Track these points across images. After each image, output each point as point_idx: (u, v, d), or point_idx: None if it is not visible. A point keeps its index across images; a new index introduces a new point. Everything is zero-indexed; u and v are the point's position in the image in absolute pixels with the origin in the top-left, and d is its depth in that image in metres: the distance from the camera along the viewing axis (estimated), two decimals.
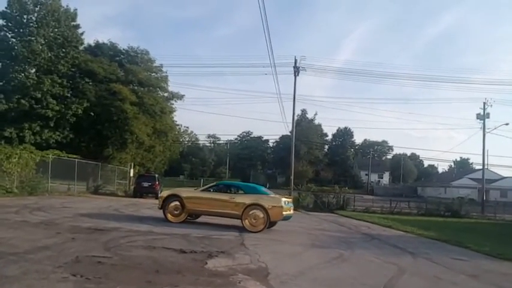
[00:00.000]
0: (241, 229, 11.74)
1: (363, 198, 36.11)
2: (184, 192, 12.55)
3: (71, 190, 25.19)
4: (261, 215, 11.69)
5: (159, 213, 12.76)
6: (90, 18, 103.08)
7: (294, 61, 35.29)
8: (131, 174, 34.65)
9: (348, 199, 32.11)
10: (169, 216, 12.11)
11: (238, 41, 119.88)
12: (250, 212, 11.74)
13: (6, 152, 19.55)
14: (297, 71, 35.21)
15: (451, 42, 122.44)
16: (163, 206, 12.23)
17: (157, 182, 26.17)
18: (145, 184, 25.74)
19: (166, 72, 31.31)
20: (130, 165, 35.21)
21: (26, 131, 23.40)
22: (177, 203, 12.11)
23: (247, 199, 11.94)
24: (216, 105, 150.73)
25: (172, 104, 32.19)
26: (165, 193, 12.66)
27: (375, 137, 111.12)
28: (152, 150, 33.01)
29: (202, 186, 13.96)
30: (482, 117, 42.72)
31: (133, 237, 8.87)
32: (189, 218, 12.60)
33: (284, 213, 12.02)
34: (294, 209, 27.59)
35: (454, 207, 31.34)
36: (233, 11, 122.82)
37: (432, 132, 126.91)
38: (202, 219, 13.20)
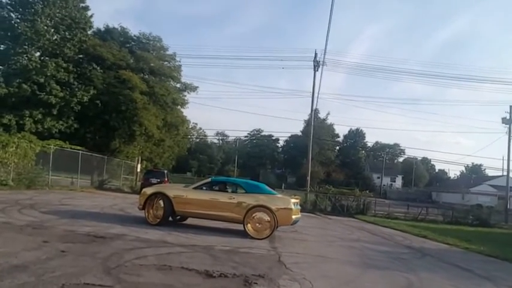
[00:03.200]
0: (273, 238, 9.75)
1: (384, 203, 33.83)
2: (173, 190, 10.41)
3: (74, 184, 23.35)
4: (267, 219, 9.76)
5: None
6: (101, 11, 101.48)
7: (313, 55, 33.37)
8: (138, 170, 32.80)
9: (369, 203, 30.05)
10: (152, 218, 10.01)
11: (248, 38, 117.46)
12: (254, 215, 9.80)
13: (2, 140, 17.63)
14: (316, 65, 33.20)
15: (463, 46, 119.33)
16: (146, 206, 10.08)
17: (166, 179, 24.21)
18: (154, 180, 23.71)
19: (179, 61, 29.27)
20: (138, 160, 33.35)
21: (27, 118, 21.52)
22: (162, 202, 10.02)
23: (250, 199, 9.92)
24: (225, 101, 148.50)
25: (185, 95, 30.13)
26: (148, 190, 10.45)
27: (386, 139, 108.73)
28: (162, 144, 31.06)
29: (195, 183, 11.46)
30: (508, 121, 40.27)
31: (143, 250, 6.86)
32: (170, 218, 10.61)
33: (293, 216, 10.08)
34: (311, 212, 26.18)
35: (483, 216, 29.21)
36: (244, 8, 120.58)
37: (438, 136, 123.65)
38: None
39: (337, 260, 8.27)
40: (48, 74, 21.94)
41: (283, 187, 53.40)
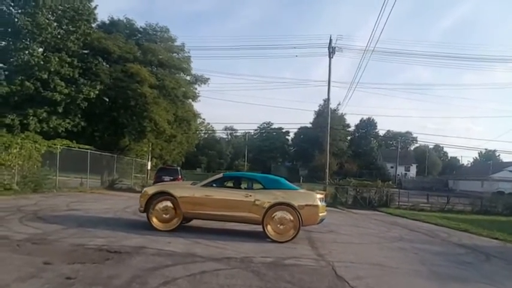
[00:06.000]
0: (312, 242, 8.37)
1: (403, 193, 32.23)
2: (179, 189, 8.92)
3: (84, 185, 22.15)
4: (290, 218, 8.42)
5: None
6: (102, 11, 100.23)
7: (328, 41, 31.74)
8: (149, 167, 31.57)
9: (392, 195, 28.59)
10: (155, 221, 8.59)
11: (249, 31, 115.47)
12: (274, 215, 8.43)
13: (5, 141, 16.35)
14: (332, 51, 31.58)
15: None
16: (148, 208, 8.63)
17: (179, 176, 22.86)
18: (167, 178, 22.36)
19: (188, 52, 27.75)
20: (148, 157, 32.10)
21: (31, 117, 20.21)
22: (168, 203, 8.63)
23: (269, 197, 8.55)
24: (231, 95, 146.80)
25: (196, 88, 28.65)
26: (150, 190, 9.03)
27: (396, 127, 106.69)
28: (173, 140, 29.71)
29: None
30: None
31: (169, 268, 5.48)
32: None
33: (320, 214, 8.70)
34: (332, 206, 24.77)
35: None
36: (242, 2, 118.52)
37: (448, 124, 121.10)
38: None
39: (401, 270, 6.82)
40: (52, 70, 20.60)
41: (301, 180, 51.77)
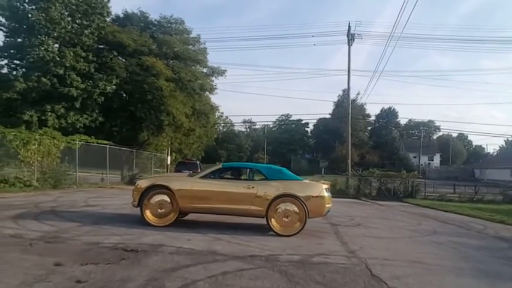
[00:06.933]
0: (341, 236, 7.80)
1: (427, 184, 31.24)
2: (175, 181, 8.30)
3: (104, 181, 22.04)
4: (296, 210, 7.90)
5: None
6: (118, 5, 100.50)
7: (347, 28, 30.82)
8: (168, 162, 31.38)
9: (418, 185, 27.72)
10: (149, 216, 8.06)
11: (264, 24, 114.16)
12: (279, 207, 7.91)
13: (23, 137, 16.19)
14: (352, 38, 30.64)
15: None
16: (141, 202, 8.08)
17: (199, 170, 22.47)
18: (186, 172, 22.03)
19: (204, 44, 27.24)
20: (168, 152, 31.90)
21: (49, 113, 20.13)
22: (164, 197, 8.07)
23: (272, 188, 8.01)
24: (248, 87, 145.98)
25: (212, 80, 28.15)
26: (143, 182, 8.41)
27: (417, 116, 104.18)
28: (192, 134, 29.37)
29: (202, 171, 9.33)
30: None
31: (189, 269, 5.00)
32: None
33: (327, 205, 8.15)
34: (356, 198, 24.08)
35: None
36: None
37: (471, 111, 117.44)
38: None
39: (442, 267, 6.16)
40: (67, 65, 20.44)
41: (322, 172, 50.89)
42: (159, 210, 8.10)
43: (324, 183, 8.58)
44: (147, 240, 6.67)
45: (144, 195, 8.09)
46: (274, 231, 7.86)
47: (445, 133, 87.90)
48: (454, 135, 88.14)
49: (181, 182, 8.32)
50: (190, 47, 26.80)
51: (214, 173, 8.60)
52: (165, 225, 7.98)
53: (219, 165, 9.21)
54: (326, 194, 8.18)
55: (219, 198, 8.09)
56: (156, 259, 5.44)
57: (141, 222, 8.39)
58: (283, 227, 7.87)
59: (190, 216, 9.42)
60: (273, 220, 7.91)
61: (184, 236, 7.16)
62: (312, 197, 7.97)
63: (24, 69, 21.15)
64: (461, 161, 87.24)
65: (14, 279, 4.23)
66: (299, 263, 5.69)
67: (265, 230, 8.23)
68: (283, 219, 7.90)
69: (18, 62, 21.53)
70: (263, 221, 8.10)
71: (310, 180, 9.55)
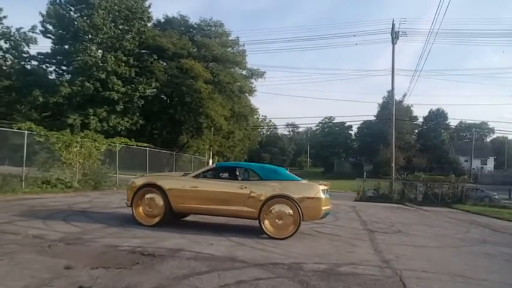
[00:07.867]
0: (376, 243, 7.16)
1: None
2: (167, 181, 8.07)
3: None
4: (290, 212, 7.36)
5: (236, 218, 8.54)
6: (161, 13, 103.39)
7: (391, 26, 29.61)
8: (210, 164, 31.52)
9: (467, 190, 25.99)
10: (140, 216, 7.79)
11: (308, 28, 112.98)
12: (272, 208, 7.39)
13: (65, 139, 16.66)
14: (396, 37, 29.39)
15: None
16: (133, 201, 7.84)
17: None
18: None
19: (243, 46, 27.15)
20: (209, 155, 32.06)
21: (91, 117, 20.79)
22: (155, 196, 7.80)
23: (266, 188, 7.49)
24: (293, 89, 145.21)
25: (252, 82, 27.97)
26: (138, 181, 8.21)
27: (471, 118, 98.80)
28: (231, 136, 29.33)
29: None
30: None
31: (201, 276, 4.62)
32: None
33: (324, 208, 7.52)
34: (400, 203, 22.86)
35: None
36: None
37: None
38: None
39: (489, 283, 5.42)
40: (109, 69, 21.04)
41: (364, 176, 49.34)
42: (149, 210, 7.85)
43: (321, 184, 8.04)
44: (167, 244, 6.39)
45: (137, 194, 7.91)
46: (267, 234, 7.38)
47: (500, 135, 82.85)
48: (510, 137, 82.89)
49: (174, 181, 8.07)
50: (229, 49, 26.81)
51: (208, 172, 8.31)
52: (152, 224, 7.73)
53: (212, 165, 8.99)
54: (323, 195, 7.62)
55: (211, 198, 7.76)
56: (171, 264, 5.13)
57: (167, 225, 8.16)
58: (277, 230, 7.39)
59: (216, 220, 9.12)
60: (266, 222, 7.42)
61: (207, 240, 6.83)
62: (307, 198, 7.46)
63: (69, 75, 21.95)
64: None
65: (18, 283, 4.04)
66: (324, 273, 5.17)
67: (295, 234, 7.77)
68: (277, 221, 7.42)
69: (64, 67, 22.42)
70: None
71: (316, 181, 8.97)
